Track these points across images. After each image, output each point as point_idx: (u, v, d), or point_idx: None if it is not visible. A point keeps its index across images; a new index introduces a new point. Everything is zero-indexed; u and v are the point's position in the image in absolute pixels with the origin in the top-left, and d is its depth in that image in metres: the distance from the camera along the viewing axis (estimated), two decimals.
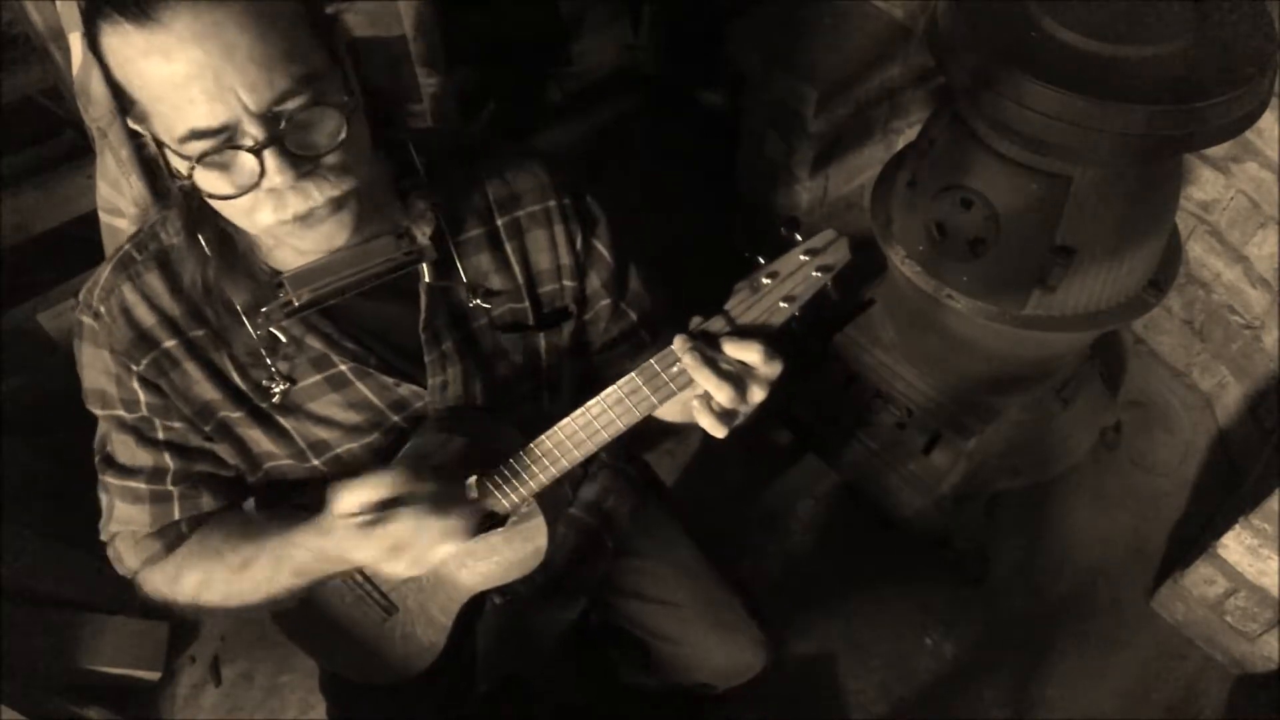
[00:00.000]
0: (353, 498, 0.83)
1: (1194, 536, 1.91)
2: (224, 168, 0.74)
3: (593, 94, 2.91)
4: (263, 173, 0.73)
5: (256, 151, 0.72)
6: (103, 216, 1.63)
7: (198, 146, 0.72)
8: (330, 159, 0.76)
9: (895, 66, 2.16)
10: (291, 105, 0.73)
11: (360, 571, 1.10)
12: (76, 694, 1.71)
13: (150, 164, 1.57)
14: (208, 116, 0.71)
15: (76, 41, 1.43)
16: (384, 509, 0.83)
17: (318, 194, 0.77)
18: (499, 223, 0.97)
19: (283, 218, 0.77)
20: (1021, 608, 1.92)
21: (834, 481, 2.08)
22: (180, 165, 0.74)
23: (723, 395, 0.81)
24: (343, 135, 0.76)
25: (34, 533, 1.86)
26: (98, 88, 1.46)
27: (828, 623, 1.89)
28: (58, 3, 1.40)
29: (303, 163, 0.75)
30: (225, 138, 0.72)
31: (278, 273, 0.88)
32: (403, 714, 1.24)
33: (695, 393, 0.84)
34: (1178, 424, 2.19)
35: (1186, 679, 1.83)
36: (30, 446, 2.03)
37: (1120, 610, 1.91)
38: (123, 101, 0.75)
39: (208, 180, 0.75)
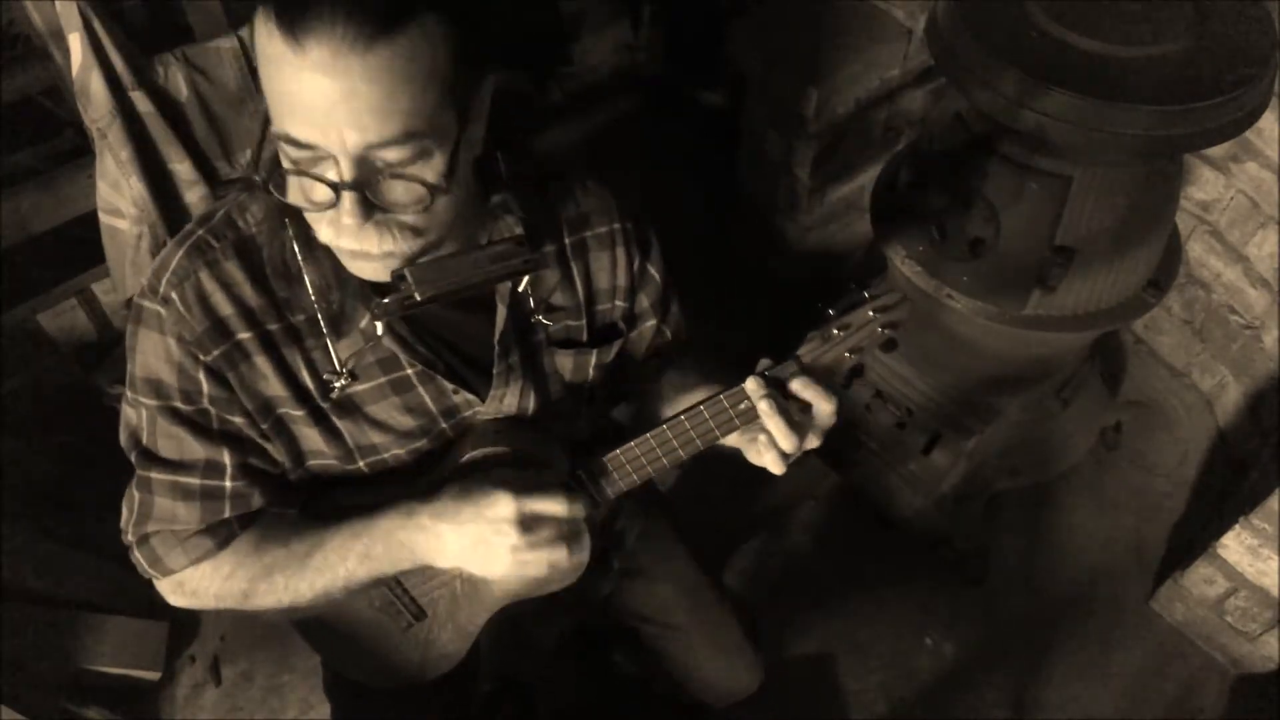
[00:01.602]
0: (528, 505, 0.88)
1: (1194, 536, 1.91)
2: (296, 183, 0.76)
3: (593, 94, 2.91)
4: (335, 204, 0.74)
5: (336, 188, 0.73)
6: (102, 217, 1.63)
7: (286, 149, 0.74)
8: (404, 218, 0.78)
9: (895, 66, 2.16)
10: (390, 156, 0.73)
11: (395, 577, 1.09)
12: (76, 694, 1.71)
13: (154, 164, 1.57)
14: (305, 132, 0.72)
15: (76, 41, 1.43)
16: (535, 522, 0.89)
17: (375, 245, 0.78)
18: (567, 241, 0.99)
19: (334, 243, 0.79)
20: (1021, 608, 1.92)
21: (834, 481, 2.08)
22: (282, 161, 0.75)
23: (788, 443, 0.89)
24: (423, 207, 0.77)
25: (34, 533, 1.86)
26: (98, 88, 1.46)
27: (828, 623, 1.89)
28: (58, 3, 1.40)
29: (375, 211, 0.76)
30: (315, 157, 0.73)
31: (398, 269, 0.88)
32: (407, 716, 1.24)
33: (756, 434, 0.91)
34: (1178, 424, 2.19)
35: (1186, 679, 1.83)
36: (30, 446, 2.03)
37: (1120, 610, 1.91)
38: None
39: (289, 184, 0.77)
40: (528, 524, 0.88)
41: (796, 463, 0.93)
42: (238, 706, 1.81)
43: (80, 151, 1.88)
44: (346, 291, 0.89)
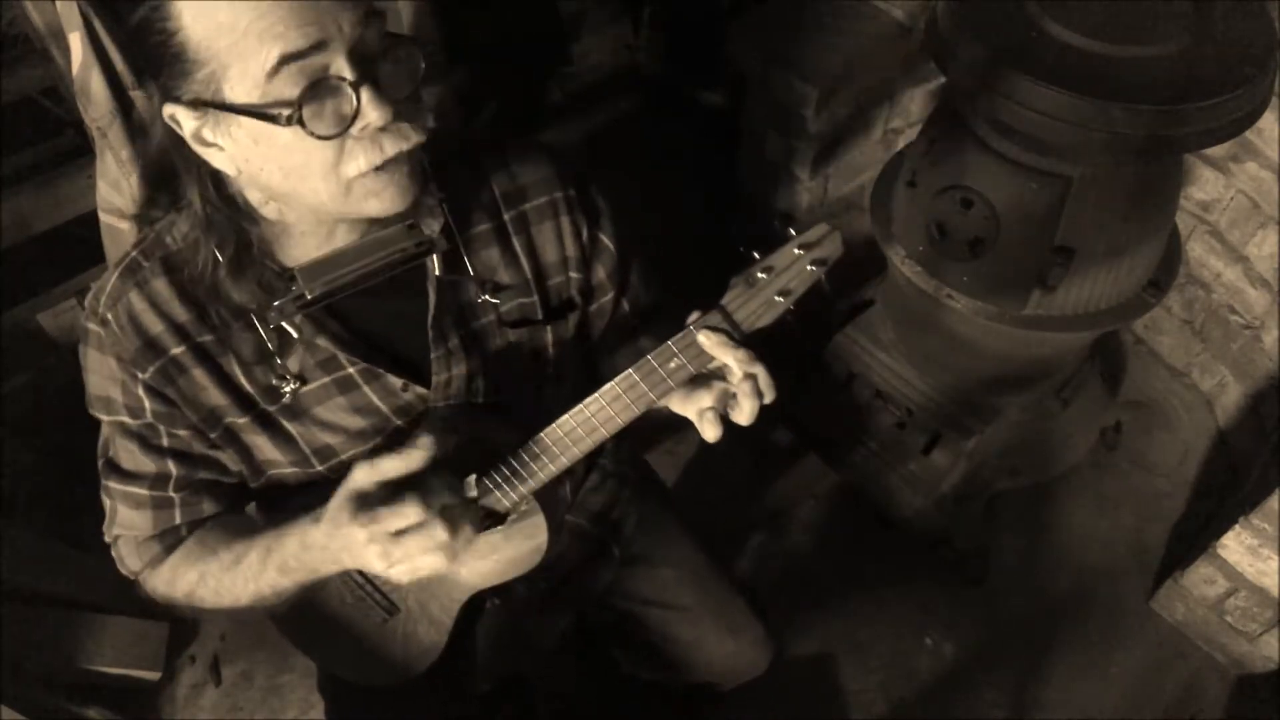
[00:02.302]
0: (377, 529, 0.83)
1: (1194, 536, 1.91)
2: (319, 110, 0.73)
3: (593, 94, 2.91)
4: (357, 111, 0.73)
5: (355, 85, 0.72)
6: (103, 216, 1.63)
7: (290, 79, 0.71)
8: (412, 103, 0.77)
9: (895, 66, 2.16)
10: (375, 39, 0.74)
11: (360, 572, 1.10)
12: (76, 694, 1.71)
13: (158, 164, 1.57)
14: (301, 37, 0.70)
15: (76, 41, 1.42)
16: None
17: (413, 135, 0.77)
18: (506, 217, 0.97)
19: (375, 161, 0.76)
20: (1021, 608, 1.92)
21: (834, 481, 2.08)
22: (281, 110, 0.72)
23: (708, 397, 0.88)
24: (423, 69, 0.77)
25: (34, 533, 1.86)
26: (98, 88, 1.46)
27: (828, 623, 1.89)
28: (58, 3, 1.39)
29: (395, 102, 0.75)
30: (319, 66, 0.72)
31: (289, 270, 0.87)
32: (402, 715, 1.24)
33: (699, 404, 0.89)
34: (1178, 424, 2.19)
35: (1186, 679, 1.83)
36: (30, 446, 2.03)
37: (1120, 610, 1.91)
38: (177, 72, 0.73)
39: (311, 121, 0.73)
40: (387, 544, 0.84)
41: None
42: (238, 706, 1.81)
43: (80, 151, 1.88)
44: (271, 298, 0.87)
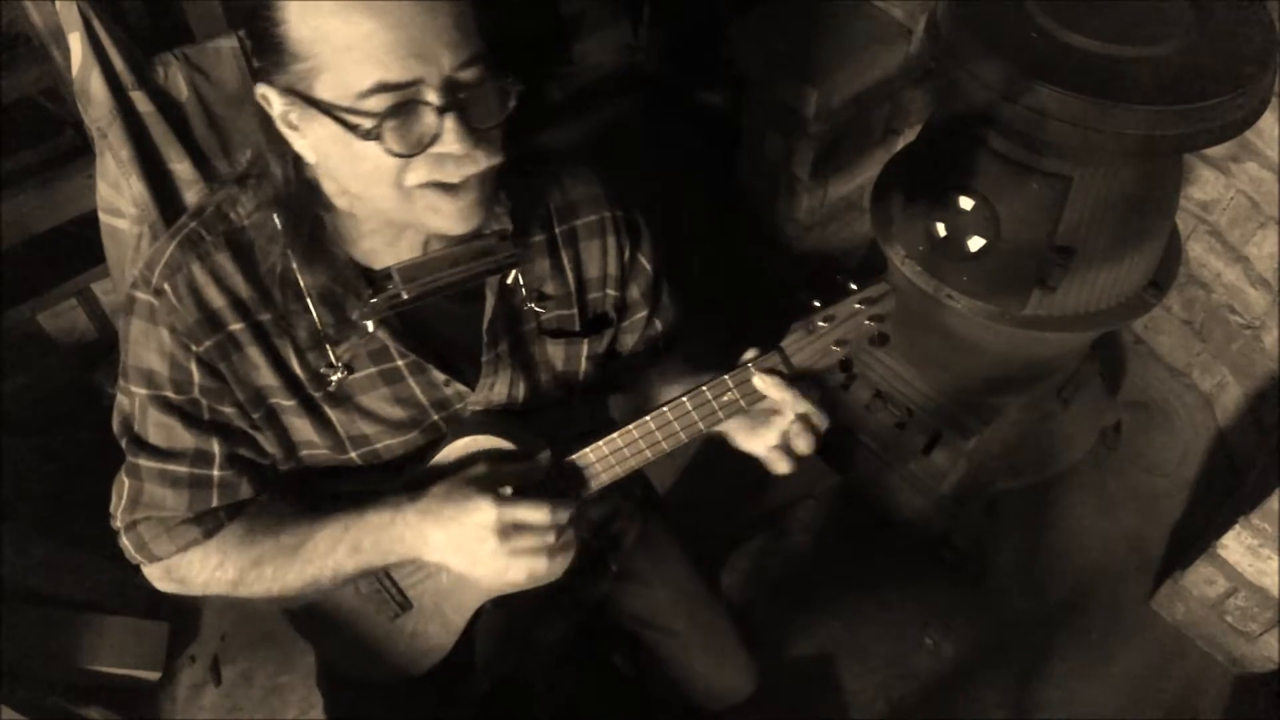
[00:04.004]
0: (508, 514, 0.89)
1: (1194, 536, 1.91)
2: (399, 128, 0.74)
3: (593, 94, 2.90)
4: (436, 137, 0.75)
5: (441, 112, 0.74)
6: (103, 216, 1.63)
7: (380, 100, 0.73)
8: (494, 133, 0.79)
9: (895, 66, 2.16)
10: (471, 75, 0.75)
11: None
12: (76, 694, 1.71)
13: (154, 164, 1.57)
14: (401, 71, 0.72)
15: (76, 41, 1.43)
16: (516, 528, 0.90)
17: (484, 160, 0.78)
18: (557, 231, 1.00)
19: (437, 178, 0.78)
20: (1021, 608, 1.92)
21: (834, 481, 2.08)
22: (362, 122, 0.74)
23: (774, 435, 0.93)
24: (512, 105, 0.78)
25: (34, 533, 1.86)
26: (98, 88, 1.46)
27: (828, 623, 1.89)
28: (58, 3, 1.40)
29: (476, 134, 0.77)
30: (410, 94, 0.73)
31: (359, 265, 0.89)
32: (400, 713, 1.24)
33: (765, 442, 0.94)
34: (1178, 424, 2.19)
35: (1186, 679, 1.83)
36: (30, 446, 2.03)
37: (1120, 610, 1.91)
38: (273, 60, 0.74)
39: (389, 138, 0.75)
40: (508, 531, 0.89)
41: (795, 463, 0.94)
42: (238, 706, 1.81)
43: (80, 151, 1.88)
44: (342, 288, 0.89)
